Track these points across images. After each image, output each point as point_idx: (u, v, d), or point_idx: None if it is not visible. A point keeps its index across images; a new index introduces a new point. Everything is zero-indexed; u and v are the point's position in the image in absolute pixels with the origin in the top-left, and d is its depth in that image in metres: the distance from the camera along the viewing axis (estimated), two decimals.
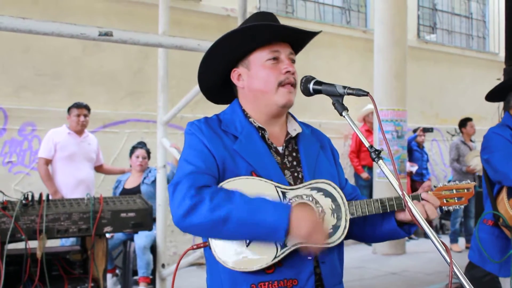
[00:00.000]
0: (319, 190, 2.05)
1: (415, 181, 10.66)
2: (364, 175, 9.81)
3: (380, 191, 8.88)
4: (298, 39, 2.23)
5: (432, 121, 12.15)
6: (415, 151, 10.63)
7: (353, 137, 10.15)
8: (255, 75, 2.15)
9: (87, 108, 6.70)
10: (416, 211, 1.88)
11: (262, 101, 2.16)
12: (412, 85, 10.87)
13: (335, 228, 2.02)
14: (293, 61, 2.19)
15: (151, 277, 6.34)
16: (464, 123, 9.58)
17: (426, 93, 12.46)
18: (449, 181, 8.14)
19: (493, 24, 14.29)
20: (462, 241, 9.53)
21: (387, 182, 8.67)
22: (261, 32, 2.11)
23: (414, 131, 11.04)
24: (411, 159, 10.51)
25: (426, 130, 10.57)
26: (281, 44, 2.16)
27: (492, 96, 4.09)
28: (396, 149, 8.95)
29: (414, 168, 10.42)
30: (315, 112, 9.28)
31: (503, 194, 3.60)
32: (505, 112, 3.98)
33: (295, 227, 1.86)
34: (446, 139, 12.74)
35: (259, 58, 2.14)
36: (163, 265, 6.21)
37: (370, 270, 7.90)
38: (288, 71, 2.12)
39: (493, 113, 10.46)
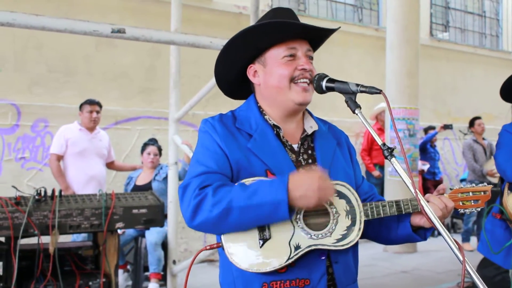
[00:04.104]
0: None
1: (427, 180, 10.63)
2: (376, 173, 9.80)
3: (391, 190, 8.86)
4: (316, 37, 2.20)
5: (445, 119, 12.09)
6: (427, 149, 10.61)
7: (364, 135, 10.13)
8: (270, 72, 2.12)
9: (99, 104, 6.73)
10: (429, 208, 1.87)
11: (277, 98, 2.13)
12: (425, 83, 10.84)
13: (349, 230, 2.00)
14: (310, 58, 2.15)
15: (162, 273, 6.37)
16: (472, 122, 9.54)
17: (439, 91, 12.41)
18: (461, 180, 8.10)
19: (506, 22, 14.20)
20: (474, 240, 9.48)
21: (398, 181, 8.73)
22: (278, 29, 2.08)
23: (425, 130, 10.99)
24: (424, 157, 10.48)
25: (447, 127, 10.48)
26: (299, 41, 2.12)
27: (507, 94, 4.10)
28: (408, 147, 8.92)
29: (426, 167, 10.39)
30: (326, 110, 9.27)
31: (505, 189, 3.71)
32: None
33: (299, 197, 1.85)
34: (458, 138, 12.67)
35: (275, 55, 2.11)
36: (174, 261, 6.24)
37: (381, 268, 7.89)
38: (303, 69, 2.09)
39: (507, 111, 10.41)
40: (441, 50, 12.54)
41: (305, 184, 1.86)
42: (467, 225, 9.47)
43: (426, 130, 11.02)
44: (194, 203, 1.90)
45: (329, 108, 9.40)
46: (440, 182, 10.89)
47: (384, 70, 9.29)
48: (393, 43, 9.05)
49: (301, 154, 2.15)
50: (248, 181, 1.96)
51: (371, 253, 8.63)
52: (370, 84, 2.02)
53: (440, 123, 11.27)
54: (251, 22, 5.18)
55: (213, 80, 5.38)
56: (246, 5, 8.74)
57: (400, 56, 8.97)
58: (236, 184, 1.95)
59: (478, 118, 9.49)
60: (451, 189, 2.17)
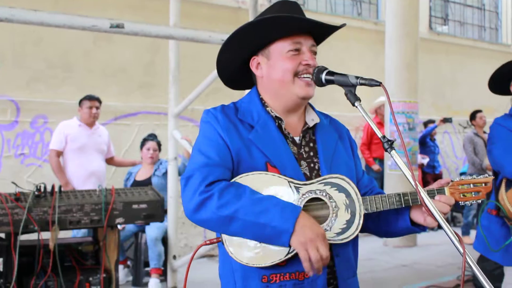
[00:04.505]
0: (333, 185, 2.01)
1: (426, 173, 10.63)
2: (375, 167, 9.79)
3: (391, 183, 8.86)
4: (320, 32, 2.20)
5: (444, 113, 12.08)
6: (426, 143, 10.61)
7: (364, 129, 10.12)
8: (274, 65, 2.12)
9: (98, 100, 6.73)
10: (429, 201, 1.86)
11: (281, 92, 2.12)
12: (424, 77, 10.82)
13: (349, 223, 1.99)
14: (314, 53, 2.15)
15: (162, 268, 6.37)
16: (473, 115, 9.50)
17: (438, 85, 12.40)
18: (461, 174, 8.04)
19: (506, 15, 14.18)
20: (474, 233, 9.45)
21: (398, 174, 8.74)
22: (285, 23, 2.07)
23: (425, 124, 10.98)
24: (424, 151, 10.47)
25: (446, 120, 10.47)
26: (304, 36, 2.12)
27: (496, 87, 4.08)
28: (407, 141, 8.92)
29: (425, 160, 10.38)
30: (326, 104, 9.24)
31: (502, 185, 3.61)
32: None
33: (298, 233, 1.85)
34: (458, 131, 12.67)
35: (280, 49, 2.11)
36: (174, 257, 6.25)
37: (381, 262, 7.89)
38: (307, 64, 2.09)
39: (506, 105, 10.39)
40: (440, 44, 12.52)
41: (308, 231, 1.85)
42: (467, 219, 9.48)
43: (425, 124, 11.01)
44: (199, 199, 1.89)
45: (329, 102, 9.37)
46: (439, 175, 10.90)
47: (383, 63, 9.28)
48: (392, 37, 9.03)
49: (302, 147, 2.14)
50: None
51: (371, 247, 8.64)
52: (369, 77, 2.01)
53: (439, 116, 11.25)
54: (250, 17, 5.16)
55: (212, 74, 5.39)
56: None
57: (399, 49, 8.96)
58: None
59: (479, 111, 9.47)
60: (452, 181, 2.16)
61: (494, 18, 14.22)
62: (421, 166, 10.18)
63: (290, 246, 1.88)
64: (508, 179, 3.61)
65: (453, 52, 12.73)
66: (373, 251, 8.51)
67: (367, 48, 10.99)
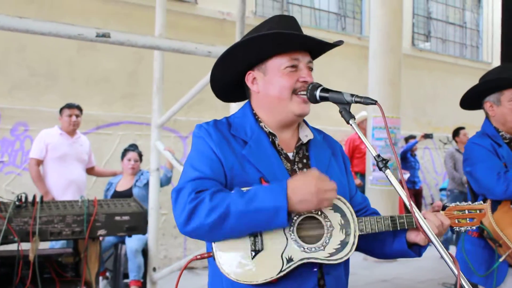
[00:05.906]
0: None
1: (407, 189, 10.67)
2: (357, 181, 9.79)
3: (372, 198, 8.75)
4: (318, 48, 2.19)
5: (425, 129, 12.17)
6: (407, 158, 10.67)
7: (346, 144, 10.14)
8: (271, 81, 2.09)
9: (79, 108, 6.66)
10: (424, 222, 1.86)
11: (277, 108, 2.10)
12: (406, 92, 10.89)
13: (343, 244, 1.98)
14: (310, 69, 2.14)
15: (142, 280, 6.29)
16: (457, 132, 9.59)
17: (419, 101, 12.50)
18: (441, 189, 8.00)
19: (486, 33, 14.37)
20: (453, 249, 9.51)
21: (379, 189, 8.77)
22: (288, 40, 2.05)
23: (406, 139, 11.05)
24: (405, 166, 10.53)
25: (427, 136, 10.54)
26: (301, 52, 2.11)
27: (468, 104, 4.05)
28: (389, 156, 8.93)
29: (406, 176, 10.43)
30: (308, 118, 9.26)
31: (487, 208, 3.54)
32: (484, 119, 3.95)
33: (299, 202, 1.83)
34: (438, 147, 12.76)
35: (278, 65, 2.08)
36: (154, 269, 6.17)
37: (361, 277, 7.88)
38: (305, 81, 2.08)
39: None
40: (422, 60, 12.65)
41: (303, 188, 1.83)
42: (447, 234, 9.51)
43: (406, 139, 11.08)
44: (190, 207, 1.85)
45: (311, 116, 9.33)
46: (420, 191, 10.96)
47: (366, 78, 9.31)
48: (376, 52, 9.07)
49: (296, 163, 2.13)
50: (245, 188, 1.93)
51: (351, 262, 8.48)
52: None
53: (420, 132, 11.33)
54: (237, 29, 5.14)
55: (197, 86, 5.36)
56: (230, 11, 8.74)
57: (382, 65, 8.99)
58: (234, 189, 1.92)
59: (462, 128, 9.57)
60: (446, 206, 2.15)
61: (475, 36, 14.41)
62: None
63: (292, 220, 1.89)
64: (493, 200, 3.57)
65: (434, 69, 12.86)
66: (353, 265, 8.32)
67: (351, 63, 11.04)
